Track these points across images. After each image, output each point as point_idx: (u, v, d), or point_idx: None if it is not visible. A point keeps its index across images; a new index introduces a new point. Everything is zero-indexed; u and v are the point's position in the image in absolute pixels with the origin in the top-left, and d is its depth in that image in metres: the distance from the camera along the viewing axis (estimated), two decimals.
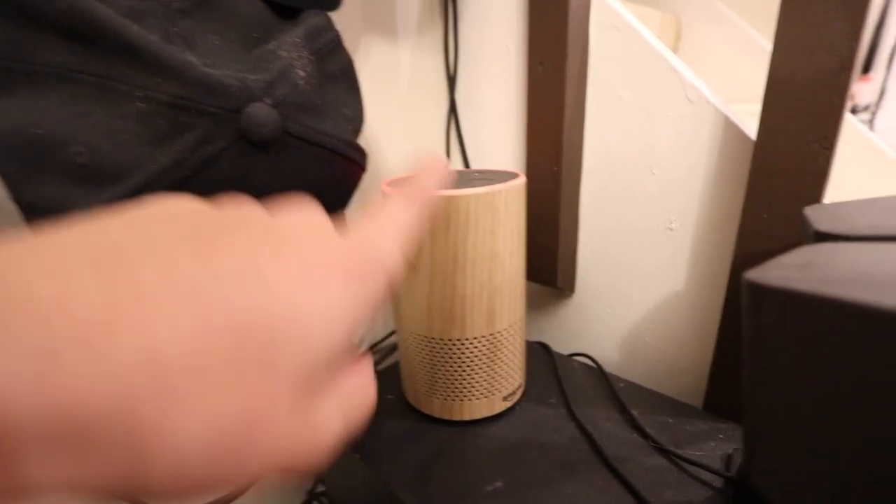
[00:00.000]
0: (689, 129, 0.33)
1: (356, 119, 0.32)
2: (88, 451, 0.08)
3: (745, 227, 0.29)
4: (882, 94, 1.49)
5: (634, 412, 0.34)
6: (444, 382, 0.34)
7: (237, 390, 0.09)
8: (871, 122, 1.54)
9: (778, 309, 0.14)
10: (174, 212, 0.11)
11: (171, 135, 0.23)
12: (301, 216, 0.13)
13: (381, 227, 0.15)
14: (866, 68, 1.53)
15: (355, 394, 0.14)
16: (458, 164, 0.50)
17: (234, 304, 0.10)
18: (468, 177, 0.34)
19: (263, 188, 0.26)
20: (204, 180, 0.24)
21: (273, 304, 0.10)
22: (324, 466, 0.13)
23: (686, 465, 0.29)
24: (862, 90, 1.54)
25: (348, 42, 0.41)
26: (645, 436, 0.32)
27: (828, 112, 0.25)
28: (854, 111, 1.55)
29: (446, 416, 0.35)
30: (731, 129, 0.31)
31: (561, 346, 0.47)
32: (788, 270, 0.15)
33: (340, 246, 0.13)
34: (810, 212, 0.22)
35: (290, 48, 0.27)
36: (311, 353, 0.11)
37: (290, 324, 0.10)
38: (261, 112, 0.23)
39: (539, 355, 0.43)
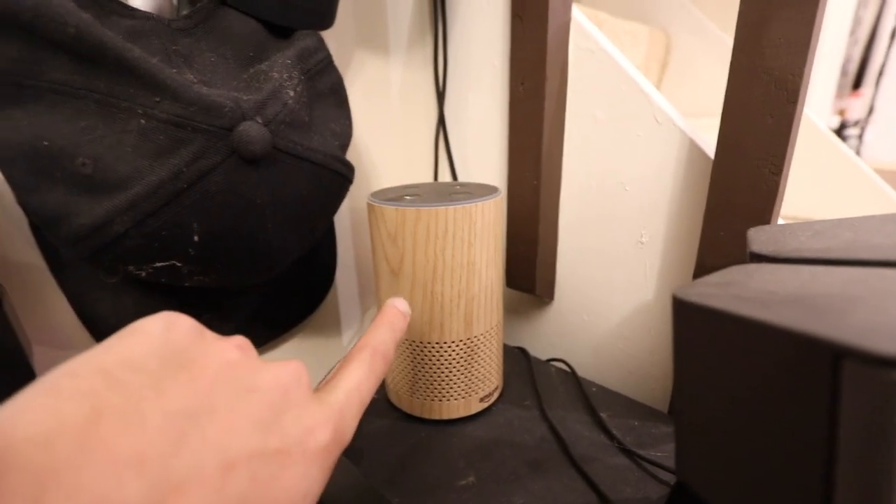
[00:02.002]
0: (657, 149, 0.35)
1: (343, 134, 0.34)
2: None
3: (705, 243, 0.31)
4: (871, 109, 1.52)
5: (603, 415, 0.36)
6: (424, 383, 0.35)
7: None
8: (860, 137, 1.57)
9: (694, 322, 0.16)
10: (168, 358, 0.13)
11: (169, 149, 0.25)
12: (283, 376, 0.15)
13: (346, 396, 0.17)
14: (857, 84, 1.56)
15: None
16: (446, 175, 0.52)
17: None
18: (450, 189, 0.36)
19: (255, 199, 0.28)
20: (198, 191, 0.26)
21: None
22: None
23: (646, 465, 0.31)
24: (853, 105, 1.57)
25: (342, 58, 0.43)
26: (611, 437, 0.34)
27: (776, 141, 0.27)
28: (845, 126, 1.58)
29: (426, 416, 0.36)
30: (694, 150, 0.33)
31: (540, 352, 0.49)
32: (709, 288, 0.17)
33: (314, 420, 0.15)
34: (752, 233, 0.24)
35: (281, 69, 0.29)
36: None
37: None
38: (252, 130, 0.25)
39: (518, 359, 0.45)
